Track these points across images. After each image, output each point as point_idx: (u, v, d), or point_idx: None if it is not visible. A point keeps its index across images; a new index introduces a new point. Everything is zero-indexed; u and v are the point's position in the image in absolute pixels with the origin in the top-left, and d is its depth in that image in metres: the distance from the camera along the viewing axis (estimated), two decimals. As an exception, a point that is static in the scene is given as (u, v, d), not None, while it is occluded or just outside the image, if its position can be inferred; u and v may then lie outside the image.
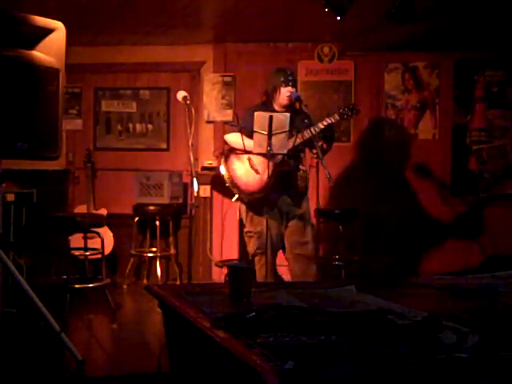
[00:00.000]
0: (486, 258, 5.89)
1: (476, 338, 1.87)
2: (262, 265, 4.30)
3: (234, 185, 4.32)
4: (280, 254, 4.51)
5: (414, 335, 1.89)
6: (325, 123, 4.21)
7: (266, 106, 4.35)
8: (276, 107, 4.35)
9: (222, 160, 4.39)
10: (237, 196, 4.38)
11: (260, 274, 4.29)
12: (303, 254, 4.36)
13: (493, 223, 6.00)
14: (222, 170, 4.35)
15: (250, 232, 4.40)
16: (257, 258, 4.36)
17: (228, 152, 4.40)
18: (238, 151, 4.31)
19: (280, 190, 4.31)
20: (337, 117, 4.29)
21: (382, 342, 1.84)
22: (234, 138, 4.30)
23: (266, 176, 4.21)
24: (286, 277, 4.64)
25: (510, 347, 1.82)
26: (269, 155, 4.11)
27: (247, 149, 4.17)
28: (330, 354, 1.73)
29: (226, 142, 4.53)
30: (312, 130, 4.16)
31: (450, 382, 1.64)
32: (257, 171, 4.25)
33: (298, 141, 4.21)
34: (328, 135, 4.31)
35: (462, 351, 1.74)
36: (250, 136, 4.17)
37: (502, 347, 1.81)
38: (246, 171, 4.30)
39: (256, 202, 4.32)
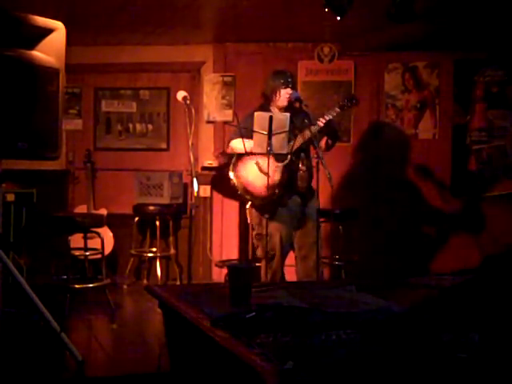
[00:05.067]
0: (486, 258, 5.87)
1: (476, 338, 1.87)
2: (271, 267, 4.29)
3: (247, 191, 4.28)
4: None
5: (414, 336, 1.89)
6: (324, 120, 4.19)
7: (265, 108, 4.33)
8: (275, 110, 4.34)
9: (231, 168, 4.35)
10: (250, 202, 4.36)
11: (268, 277, 4.27)
12: (310, 257, 4.33)
13: (493, 223, 6.00)
14: (233, 178, 4.31)
15: (259, 234, 4.36)
16: (264, 261, 4.33)
17: (235, 160, 4.36)
18: (244, 157, 4.28)
19: (289, 190, 4.30)
20: (337, 109, 4.26)
21: (382, 341, 1.84)
22: (240, 144, 4.26)
23: (276, 177, 4.21)
24: (288, 277, 4.63)
25: (509, 347, 1.82)
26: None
27: (248, 150, 4.16)
28: (329, 354, 1.73)
29: (231, 149, 4.46)
30: (312, 128, 4.14)
31: (449, 382, 1.65)
32: (266, 174, 4.20)
33: (299, 142, 4.21)
34: (330, 131, 4.30)
35: (462, 351, 1.74)
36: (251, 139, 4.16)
37: (502, 347, 1.81)
38: (256, 176, 4.26)
39: (269, 204, 4.29)
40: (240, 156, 4.32)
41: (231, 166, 4.36)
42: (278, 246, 4.28)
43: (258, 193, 4.27)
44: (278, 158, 4.22)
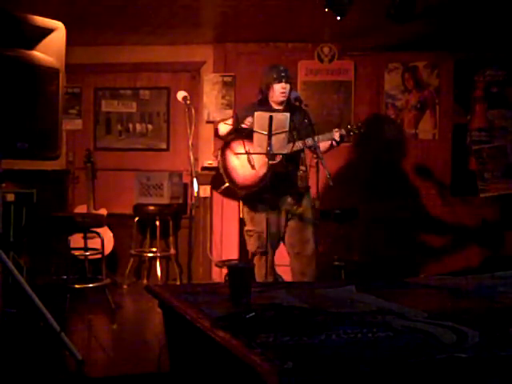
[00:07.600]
0: (486, 258, 5.88)
1: (476, 338, 1.87)
2: (262, 264, 4.31)
3: (227, 174, 4.30)
4: (281, 253, 4.51)
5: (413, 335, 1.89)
6: (326, 141, 4.26)
7: (263, 104, 4.34)
8: (272, 105, 4.35)
9: (220, 150, 4.38)
10: (227, 184, 4.36)
11: (259, 273, 4.29)
12: (303, 253, 4.36)
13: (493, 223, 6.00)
14: (218, 157, 4.34)
15: (250, 231, 4.40)
16: (256, 257, 4.36)
17: (227, 142, 4.39)
18: (236, 142, 4.29)
19: (280, 190, 4.31)
20: (343, 132, 4.32)
21: (382, 342, 1.84)
22: (224, 128, 4.35)
23: (261, 173, 4.20)
24: (286, 277, 4.64)
25: (510, 347, 1.82)
26: (269, 155, 4.11)
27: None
28: (329, 354, 1.73)
29: (216, 130, 4.52)
30: (314, 139, 4.16)
31: (449, 382, 1.65)
32: (253, 166, 4.21)
33: (297, 147, 4.22)
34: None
35: (462, 351, 1.74)
36: (248, 134, 4.17)
37: (502, 347, 1.81)
38: (242, 164, 4.27)
39: (250, 197, 4.32)
40: (233, 140, 4.34)
41: (221, 146, 4.39)
42: (267, 242, 4.30)
43: (238, 180, 4.29)
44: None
